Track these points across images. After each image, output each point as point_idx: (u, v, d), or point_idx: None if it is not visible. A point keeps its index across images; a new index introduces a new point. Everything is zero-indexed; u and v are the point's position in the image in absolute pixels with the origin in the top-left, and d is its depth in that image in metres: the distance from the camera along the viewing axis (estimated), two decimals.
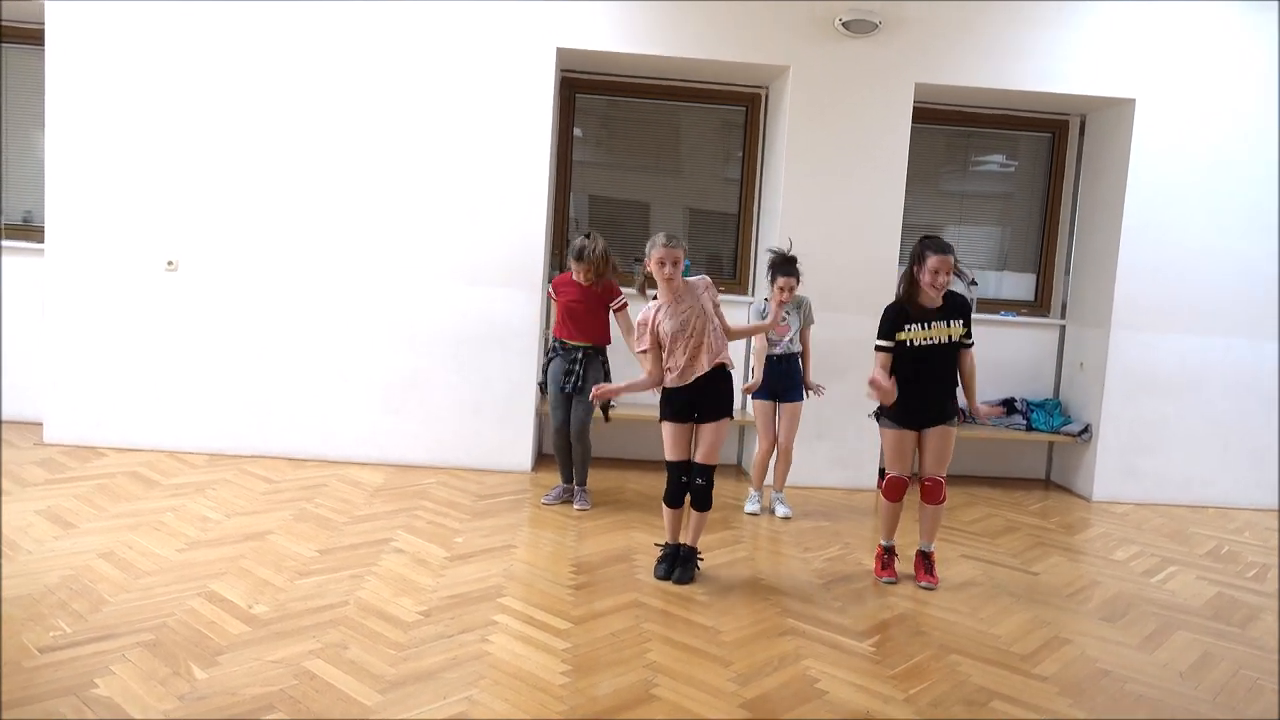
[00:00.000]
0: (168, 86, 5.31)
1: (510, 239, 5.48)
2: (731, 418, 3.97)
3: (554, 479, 5.37)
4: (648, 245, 3.89)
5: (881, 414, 4.10)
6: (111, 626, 3.15)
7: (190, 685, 2.80)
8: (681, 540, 4.04)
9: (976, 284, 6.31)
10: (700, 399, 3.89)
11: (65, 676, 2.79)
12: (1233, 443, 5.95)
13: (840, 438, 5.71)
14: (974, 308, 6.27)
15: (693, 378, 3.86)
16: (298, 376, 5.51)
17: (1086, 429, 6.02)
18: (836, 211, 5.62)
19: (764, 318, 4.84)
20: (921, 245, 3.95)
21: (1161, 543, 5.11)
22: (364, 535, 4.27)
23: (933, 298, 3.93)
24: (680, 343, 3.85)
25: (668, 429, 3.94)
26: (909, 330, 3.94)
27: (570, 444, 4.95)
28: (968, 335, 4.00)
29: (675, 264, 3.83)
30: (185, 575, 3.64)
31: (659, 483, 5.39)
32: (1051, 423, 6.13)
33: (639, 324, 3.92)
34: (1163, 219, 5.77)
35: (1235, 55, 5.70)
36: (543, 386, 5.16)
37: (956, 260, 3.92)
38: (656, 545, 4.16)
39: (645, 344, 3.88)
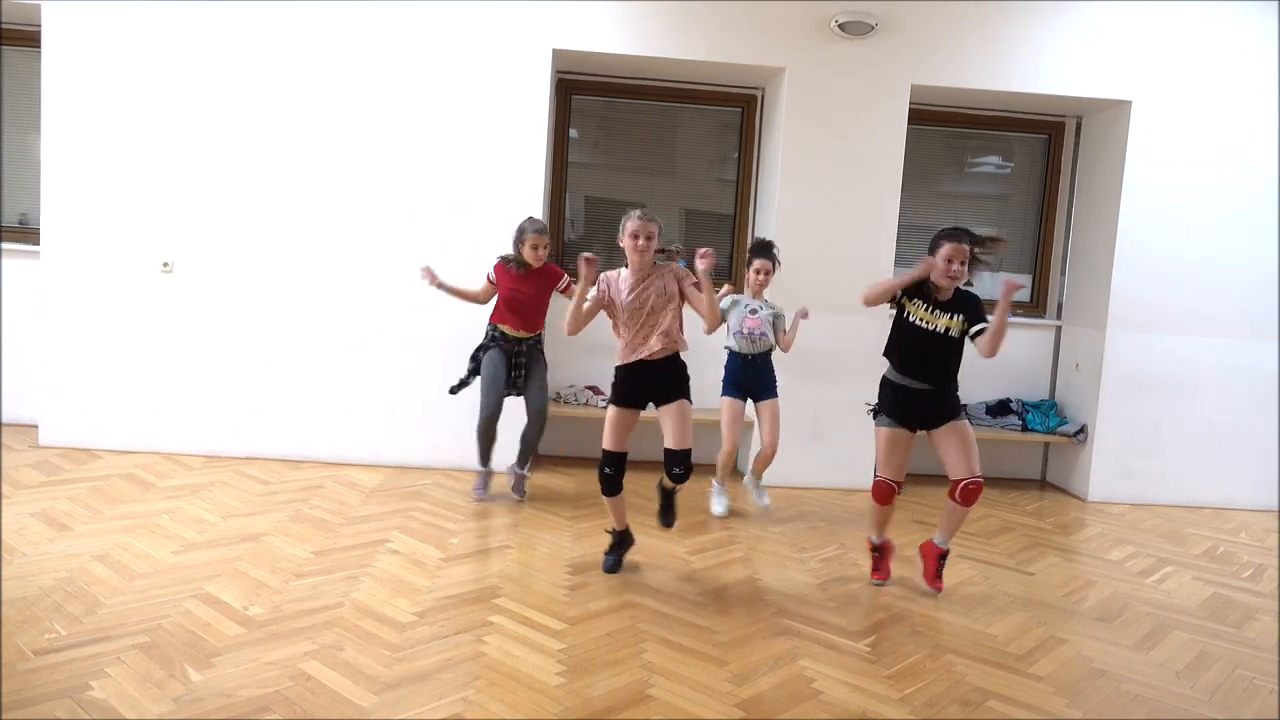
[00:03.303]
0: (164, 88, 5.31)
1: (506, 240, 5.45)
2: (689, 400, 3.88)
3: (549, 479, 5.39)
4: (622, 219, 3.81)
5: (878, 410, 4.02)
6: (107, 629, 3.14)
7: (186, 687, 2.79)
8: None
9: (971, 284, 6.30)
10: (652, 385, 3.85)
11: (60, 679, 2.79)
12: (1228, 443, 5.96)
13: (835, 439, 5.71)
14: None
15: (635, 357, 3.82)
16: (294, 378, 5.51)
17: (1082, 430, 6.03)
18: (832, 213, 5.63)
19: (750, 311, 4.86)
20: (937, 236, 3.85)
21: (1157, 543, 5.11)
22: (360, 536, 4.27)
23: (944, 288, 3.83)
24: (635, 319, 3.81)
25: (610, 413, 3.88)
26: (914, 303, 3.85)
27: (495, 433, 4.93)
28: (975, 324, 3.83)
29: (649, 238, 3.75)
30: (181, 577, 3.64)
31: (652, 482, 5.39)
32: (1047, 423, 6.14)
33: (603, 282, 3.85)
34: (1158, 220, 5.78)
35: (1231, 57, 5.71)
36: (472, 373, 4.95)
37: (977, 246, 3.79)
38: (606, 531, 4.14)
39: (592, 301, 3.82)
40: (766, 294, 4.99)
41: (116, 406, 5.44)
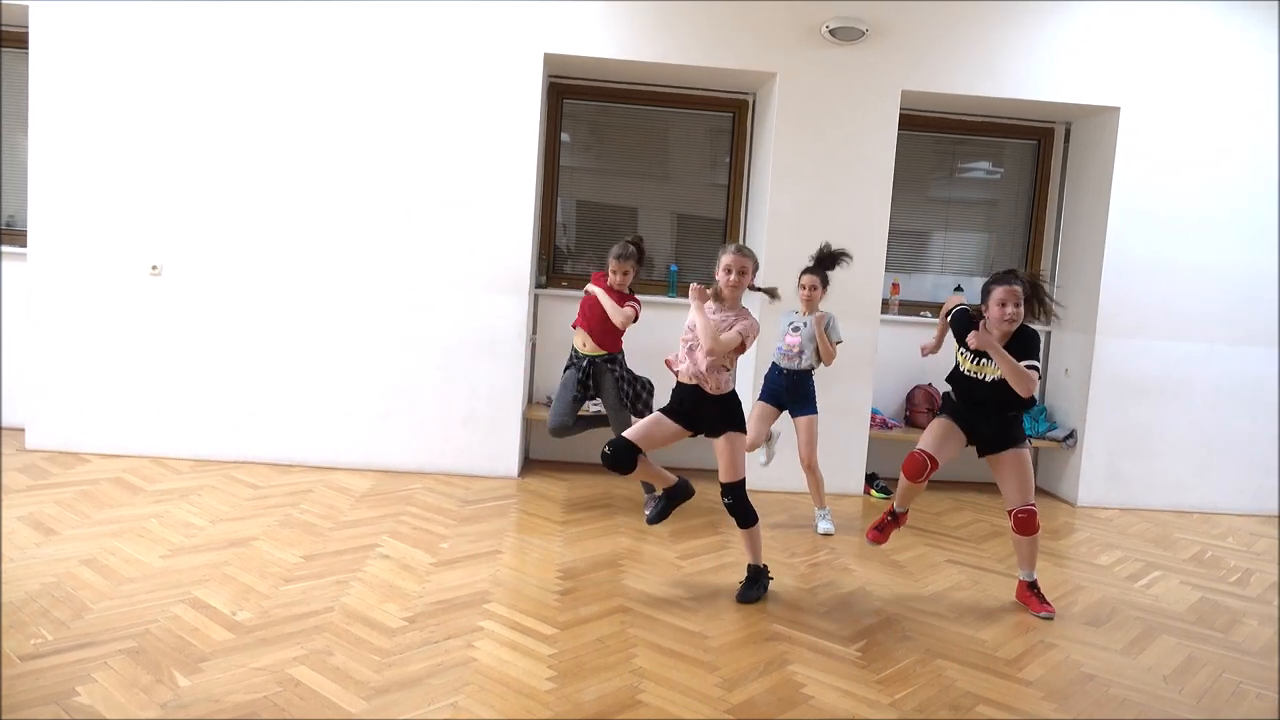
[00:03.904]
0: (153, 90, 5.29)
1: (498, 244, 5.48)
2: (742, 431, 3.85)
3: (540, 484, 5.39)
4: (719, 251, 3.82)
5: (940, 411, 4.04)
6: (94, 634, 3.12)
7: (173, 693, 2.78)
8: (748, 561, 3.95)
9: (961, 289, 6.34)
10: (701, 413, 3.83)
11: (47, 684, 2.77)
12: (1216, 448, 6.00)
13: (828, 443, 5.69)
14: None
15: (684, 375, 3.82)
16: (284, 382, 5.49)
17: (1071, 434, 6.05)
18: (823, 218, 5.63)
19: (792, 329, 4.89)
20: (987, 282, 3.83)
21: (1145, 548, 5.14)
22: (349, 541, 4.25)
23: (1004, 332, 3.76)
24: (687, 341, 3.82)
25: (653, 413, 3.94)
26: (961, 354, 3.86)
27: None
28: (1027, 359, 3.74)
29: (741, 272, 3.73)
30: (169, 582, 3.62)
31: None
32: (1037, 428, 6.16)
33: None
34: (1147, 226, 5.82)
35: (1219, 63, 5.75)
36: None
37: (1032, 287, 3.78)
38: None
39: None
40: (823, 307, 4.91)
41: (105, 410, 5.41)
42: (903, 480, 4.03)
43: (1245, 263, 5.88)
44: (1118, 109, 5.75)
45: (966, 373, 3.87)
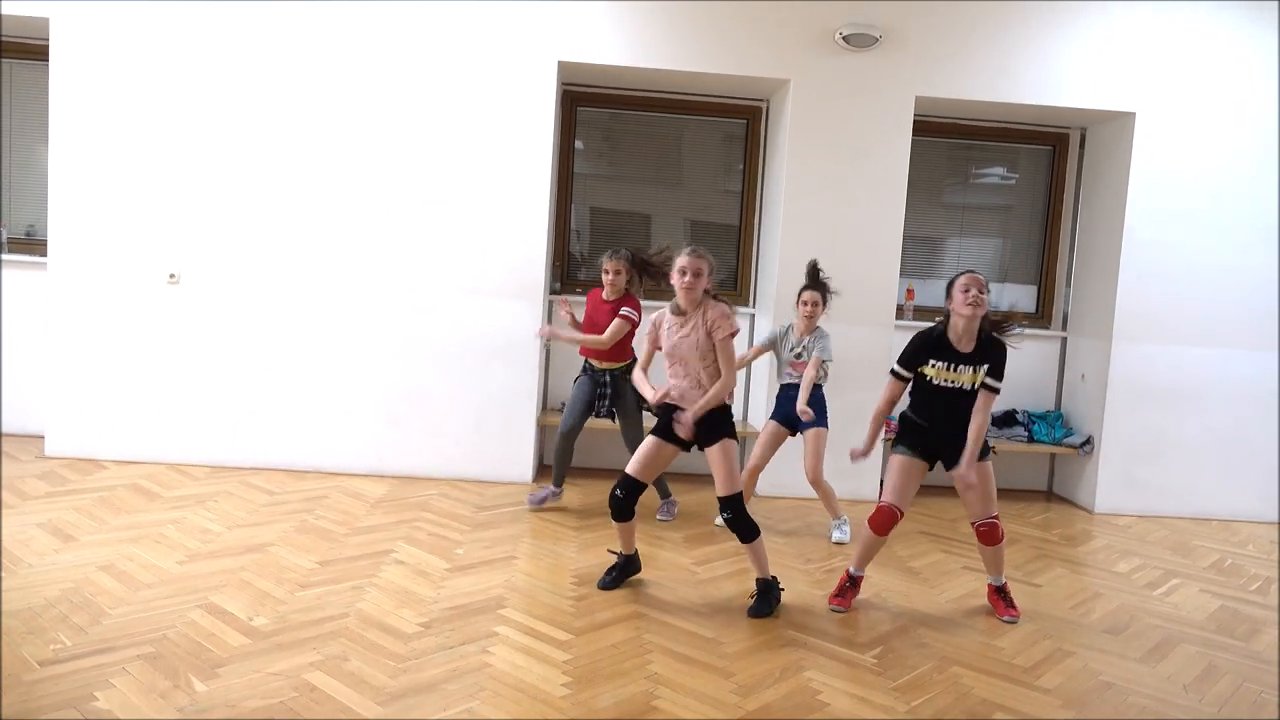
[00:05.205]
0: (170, 100, 5.34)
1: (512, 251, 5.50)
2: (734, 438, 3.76)
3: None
4: (676, 254, 3.74)
5: (897, 441, 3.92)
6: (112, 639, 3.14)
7: (190, 698, 2.79)
8: (756, 575, 3.86)
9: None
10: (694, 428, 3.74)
11: (65, 689, 2.79)
12: (1234, 455, 5.94)
13: (841, 449, 5.66)
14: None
15: (669, 401, 3.76)
16: (299, 388, 5.51)
17: (1088, 441, 6.01)
18: (837, 224, 5.63)
19: (775, 343, 4.87)
20: (954, 275, 3.82)
21: (1164, 555, 5.09)
22: (365, 547, 4.27)
23: (969, 322, 3.71)
24: (673, 363, 3.77)
25: (646, 439, 3.85)
26: (932, 365, 3.78)
27: (571, 449, 5.01)
28: (993, 378, 3.73)
29: (696, 275, 3.64)
30: (186, 587, 3.64)
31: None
32: (1053, 435, 6.12)
33: (653, 321, 3.84)
34: (1163, 231, 5.78)
35: (1234, 69, 5.72)
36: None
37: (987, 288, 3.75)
38: (610, 552, 4.08)
39: (645, 343, 3.88)
40: (821, 323, 4.85)
41: (122, 417, 5.45)
42: (866, 533, 3.88)
43: (1262, 267, 5.84)
44: (1133, 114, 5.72)
45: (941, 383, 3.77)
